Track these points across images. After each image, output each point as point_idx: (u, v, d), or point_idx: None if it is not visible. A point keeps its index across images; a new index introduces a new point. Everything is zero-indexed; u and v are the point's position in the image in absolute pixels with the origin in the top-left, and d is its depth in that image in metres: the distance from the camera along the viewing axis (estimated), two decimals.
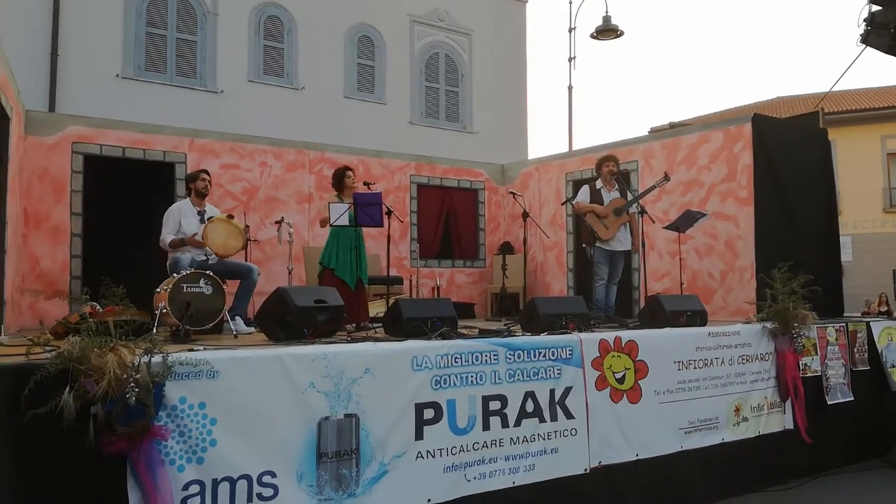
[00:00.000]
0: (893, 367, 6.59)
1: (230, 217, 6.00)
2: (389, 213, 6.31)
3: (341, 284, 6.12)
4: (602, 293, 7.12)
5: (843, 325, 6.33)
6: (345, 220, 6.07)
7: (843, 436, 6.03)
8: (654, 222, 7.42)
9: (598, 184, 7.36)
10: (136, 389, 2.89)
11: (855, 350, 6.31)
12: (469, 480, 3.98)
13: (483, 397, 4.10)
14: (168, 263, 6.00)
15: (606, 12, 14.13)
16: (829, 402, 5.96)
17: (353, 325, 5.96)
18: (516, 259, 9.35)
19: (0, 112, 5.42)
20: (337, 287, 5.70)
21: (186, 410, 3.17)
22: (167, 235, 5.97)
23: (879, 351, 6.53)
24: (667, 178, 7.18)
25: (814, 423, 5.62)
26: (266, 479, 3.33)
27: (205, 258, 5.93)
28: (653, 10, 56.69)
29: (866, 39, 8.05)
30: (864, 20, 8.01)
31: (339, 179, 6.66)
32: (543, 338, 4.52)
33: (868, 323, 6.64)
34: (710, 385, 5.20)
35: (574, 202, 7.35)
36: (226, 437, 3.24)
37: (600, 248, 7.11)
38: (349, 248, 6.28)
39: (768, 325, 5.65)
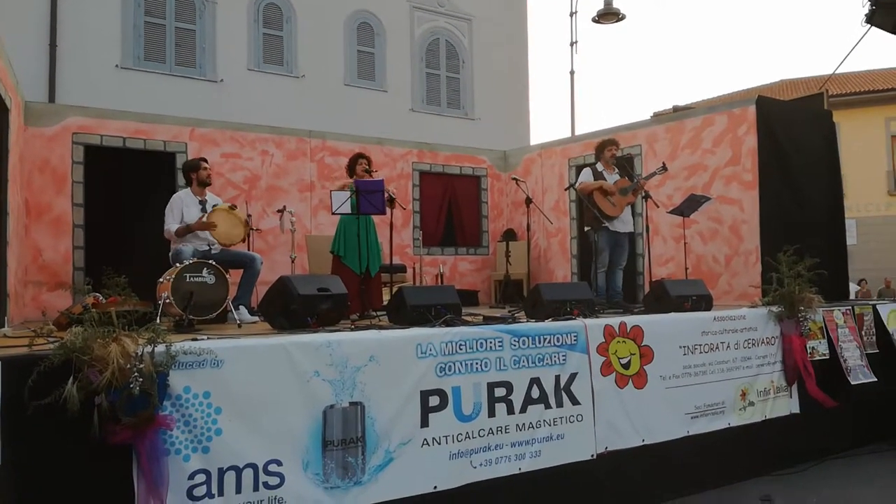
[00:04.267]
0: None
1: (232, 207, 5.99)
2: (392, 200, 6.28)
3: (349, 272, 6.11)
4: (603, 280, 7.08)
5: (850, 308, 6.30)
6: (346, 209, 6.03)
7: (850, 419, 6.01)
8: (657, 207, 7.38)
9: (600, 166, 7.32)
10: (140, 379, 2.88)
11: (863, 333, 6.27)
12: (475, 467, 3.97)
13: (488, 384, 4.08)
14: (171, 254, 5.97)
15: None
16: (852, 383, 5.89)
17: (357, 314, 5.94)
18: (520, 246, 9.32)
19: None
20: (345, 275, 5.69)
21: (191, 400, 3.15)
22: (172, 225, 5.94)
23: (891, 332, 6.47)
24: (664, 167, 7.18)
25: (821, 407, 5.59)
26: (272, 467, 3.32)
27: (207, 248, 5.91)
28: None
29: (871, 19, 7.99)
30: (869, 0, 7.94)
31: (351, 166, 6.65)
32: (548, 324, 4.49)
33: (874, 306, 6.60)
34: (716, 370, 5.18)
35: (577, 184, 7.30)
36: (231, 426, 3.23)
37: (605, 230, 7.03)
38: (356, 235, 6.25)
39: (774, 308, 5.62)
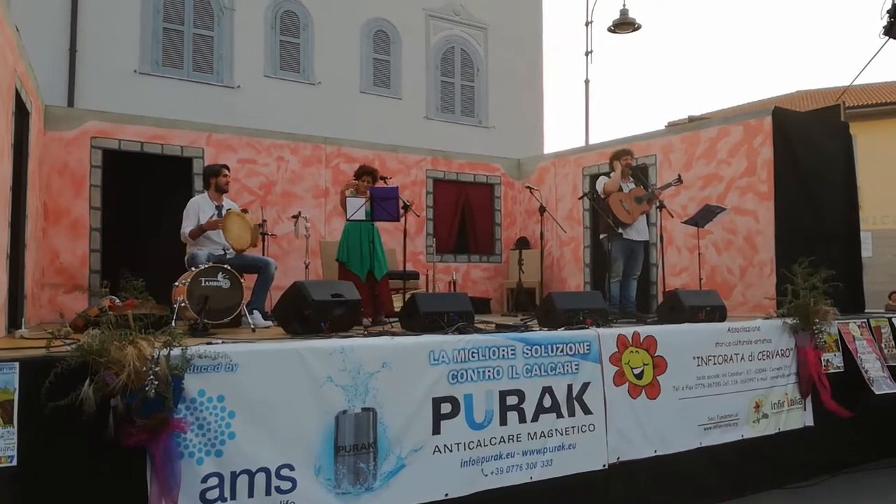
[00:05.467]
0: None
1: (244, 211, 6.02)
2: (406, 207, 6.30)
3: (354, 278, 6.12)
4: (616, 290, 7.05)
5: (865, 320, 6.24)
6: (361, 215, 6.07)
7: (864, 433, 5.95)
8: (672, 217, 7.36)
9: (614, 176, 7.29)
10: (156, 382, 2.90)
11: (882, 345, 6.21)
12: (486, 475, 3.96)
13: (500, 392, 4.08)
14: (186, 258, 6.03)
15: (623, 6, 14.05)
16: (876, 393, 5.81)
17: (369, 319, 5.96)
18: (533, 254, 9.32)
19: (20, 107, 5.45)
20: (350, 281, 5.71)
21: (205, 403, 3.18)
22: (187, 228, 5.99)
23: None
24: (680, 179, 7.16)
25: (836, 420, 5.54)
26: (284, 472, 3.34)
27: (222, 253, 5.96)
28: (670, 2, 56.23)
29: (890, 31, 7.93)
30: (887, 11, 7.89)
31: (357, 178, 6.66)
32: (561, 333, 4.49)
33: (890, 319, 6.54)
34: (730, 381, 5.15)
35: (601, 184, 7.24)
36: (244, 430, 3.25)
37: (619, 238, 7.00)
38: (359, 242, 6.27)
39: (789, 320, 5.58)
